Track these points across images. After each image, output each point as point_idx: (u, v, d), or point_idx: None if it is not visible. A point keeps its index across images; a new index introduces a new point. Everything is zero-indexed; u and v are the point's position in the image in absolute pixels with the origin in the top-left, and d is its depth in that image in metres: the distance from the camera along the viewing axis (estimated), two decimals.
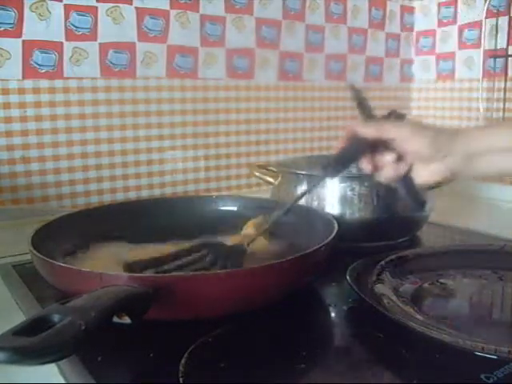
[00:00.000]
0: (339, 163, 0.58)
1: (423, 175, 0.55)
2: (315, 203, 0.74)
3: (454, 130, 0.56)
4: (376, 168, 0.57)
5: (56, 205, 0.92)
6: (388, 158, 0.55)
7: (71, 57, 0.90)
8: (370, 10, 1.25)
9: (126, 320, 0.41)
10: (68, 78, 0.90)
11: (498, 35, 1.11)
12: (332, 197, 0.73)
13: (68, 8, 0.88)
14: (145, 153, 1.00)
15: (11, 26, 0.84)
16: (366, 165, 0.57)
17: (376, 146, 0.56)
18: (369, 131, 0.56)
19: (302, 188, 0.76)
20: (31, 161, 0.89)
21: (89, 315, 0.36)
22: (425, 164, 0.54)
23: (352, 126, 0.57)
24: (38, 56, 0.87)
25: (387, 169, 0.56)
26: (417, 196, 0.59)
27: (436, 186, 0.56)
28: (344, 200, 0.73)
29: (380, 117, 0.60)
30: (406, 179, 0.56)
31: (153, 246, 0.66)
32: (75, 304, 0.38)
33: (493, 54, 1.11)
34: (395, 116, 0.60)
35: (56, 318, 0.36)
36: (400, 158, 0.55)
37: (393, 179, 0.57)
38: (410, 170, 0.56)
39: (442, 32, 1.26)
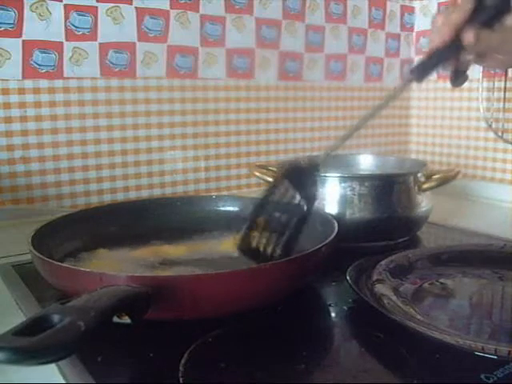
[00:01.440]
0: (430, 64, 0.56)
1: (489, 62, 0.58)
2: (315, 203, 0.74)
3: None
4: (456, 66, 0.57)
5: (56, 205, 0.92)
6: (470, 58, 0.56)
7: (71, 57, 0.90)
8: (370, 10, 1.25)
9: (126, 320, 0.41)
10: (68, 78, 0.90)
11: None
12: (332, 197, 0.73)
13: (68, 8, 0.88)
14: (145, 153, 1.00)
15: (11, 26, 0.84)
16: (448, 64, 0.57)
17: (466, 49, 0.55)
18: (471, 38, 0.53)
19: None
20: (31, 161, 0.89)
21: (89, 315, 0.36)
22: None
23: (454, 26, 0.54)
24: (38, 56, 0.87)
25: (464, 64, 0.57)
26: (463, 73, 0.59)
27: None
28: (344, 200, 0.73)
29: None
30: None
31: (153, 246, 0.66)
32: (75, 304, 0.38)
33: None
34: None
35: (56, 318, 0.36)
36: (480, 56, 0.56)
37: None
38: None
39: None
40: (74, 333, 0.34)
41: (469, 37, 0.53)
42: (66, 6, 0.88)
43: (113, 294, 0.41)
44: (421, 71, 0.56)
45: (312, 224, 0.65)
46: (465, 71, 0.59)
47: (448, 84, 1.31)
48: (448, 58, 0.56)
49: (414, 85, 1.34)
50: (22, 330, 0.34)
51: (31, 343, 0.33)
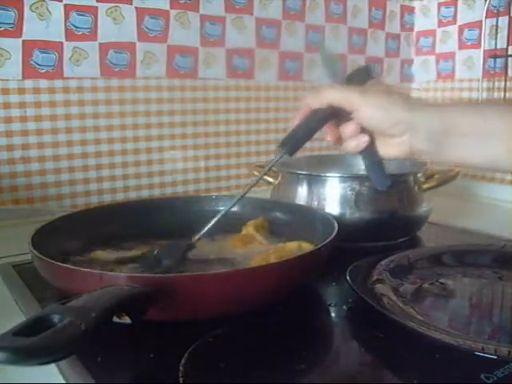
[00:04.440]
0: (296, 139, 0.55)
1: (386, 148, 0.51)
2: (315, 203, 0.74)
3: (416, 100, 0.49)
4: (338, 139, 0.53)
5: (56, 205, 0.92)
6: (349, 128, 0.51)
7: (71, 57, 0.90)
8: (370, 10, 1.25)
9: (126, 320, 0.41)
10: (68, 78, 0.90)
11: (498, 35, 1.11)
12: (332, 197, 0.73)
13: (68, 8, 0.88)
14: (145, 153, 1.00)
15: (11, 26, 0.84)
16: (328, 136, 0.53)
17: (336, 116, 0.52)
18: (318, 102, 0.51)
19: (302, 187, 0.76)
20: (31, 161, 0.89)
21: (89, 315, 0.36)
22: (386, 137, 0.50)
23: (304, 99, 0.52)
24: (38, 56, 0.87)
25: (349, 140, 0.52)
26: (381, 170, 0.55)
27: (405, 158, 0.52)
28: (344, 200, 0.73)
29: (345, 76, 0.55)
30: (370, 151, 0.52)
31: (153, 246, 0.66)
32: (75, 304, 0.38)
33: (493, 54, 1.11)
34: (361, 72, 0.54)
35: (56, 318, 0.36)
36: (363, 129, 0.51)
37: (355, 151, 0.52)
38: (373, 143, 0.51)
39: (442, 32, 1.26)
40: (74, 333, 0.34)
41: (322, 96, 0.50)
42: (65, 6, 0.88)
43: (113, 294, 0.41)
44: (290, 146, 0.55)
45: (312, 224, 0.66)
46: (382, 166, 0.54)
47: (448, 84, 1.31)
48: (313, 126, 0.53)
49: (415, 85, 1.34)
50: (22, 330, 0.34)
51: (31, 343, 0.33)
